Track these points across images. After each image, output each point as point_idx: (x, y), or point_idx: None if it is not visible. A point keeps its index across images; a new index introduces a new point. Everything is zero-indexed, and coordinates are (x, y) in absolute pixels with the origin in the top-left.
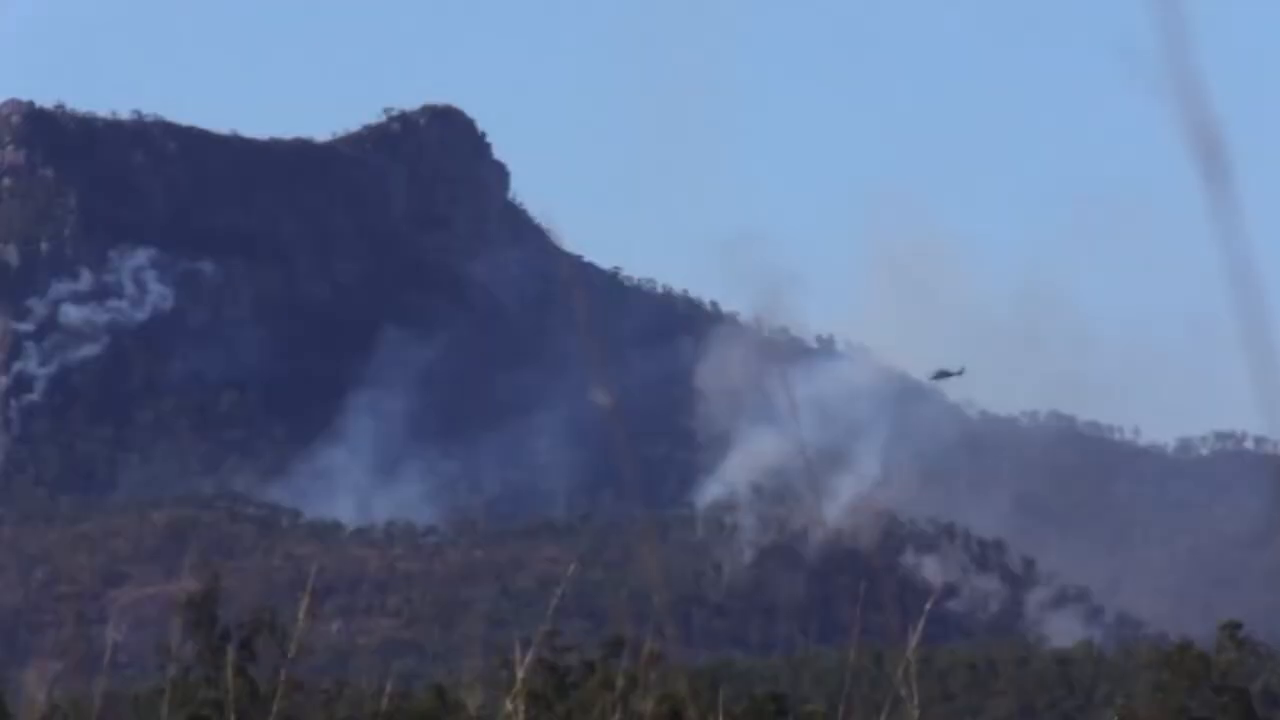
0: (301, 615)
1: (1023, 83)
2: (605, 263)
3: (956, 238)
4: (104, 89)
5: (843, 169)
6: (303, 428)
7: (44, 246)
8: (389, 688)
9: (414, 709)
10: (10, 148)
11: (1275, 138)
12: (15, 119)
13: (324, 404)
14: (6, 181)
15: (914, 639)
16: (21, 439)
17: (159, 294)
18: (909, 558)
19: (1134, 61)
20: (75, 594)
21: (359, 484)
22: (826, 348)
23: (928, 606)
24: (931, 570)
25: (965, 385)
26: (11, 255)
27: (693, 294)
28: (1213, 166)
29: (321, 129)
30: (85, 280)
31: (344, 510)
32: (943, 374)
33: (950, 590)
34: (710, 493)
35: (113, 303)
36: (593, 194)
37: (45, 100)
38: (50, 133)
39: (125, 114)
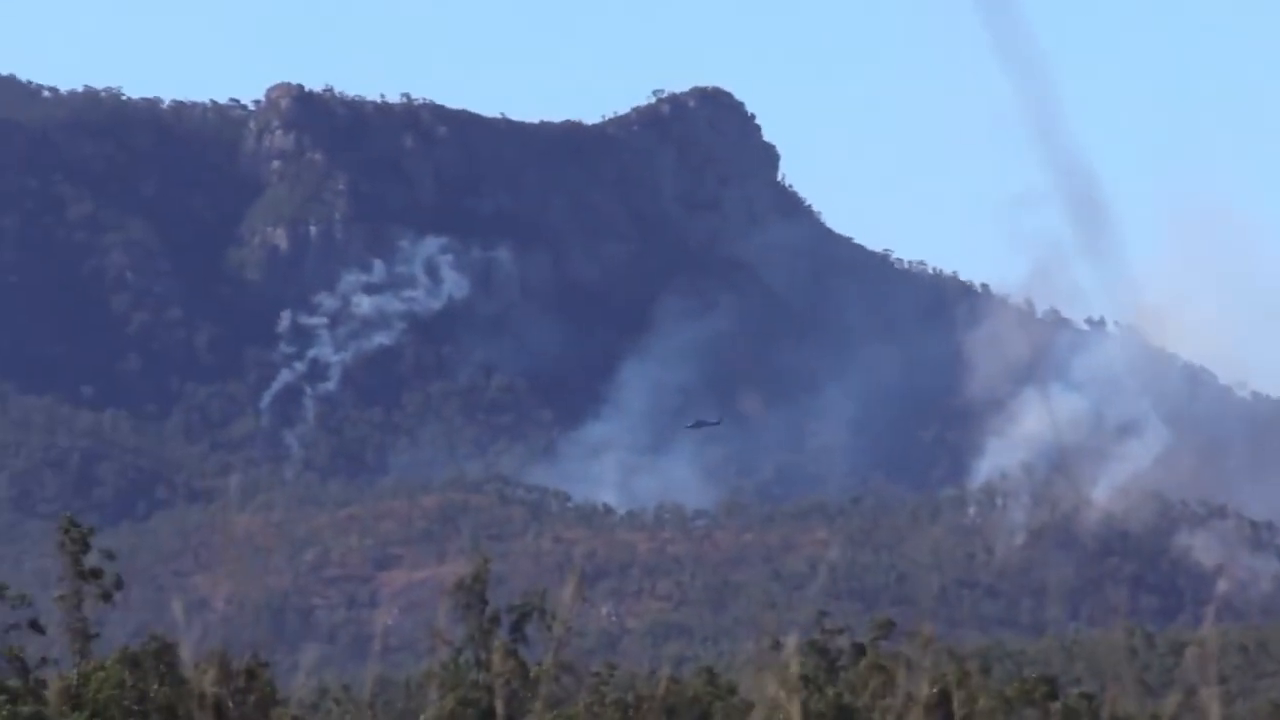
0: (598, 608)
1: None
2: (875, 245)
3: (1248, 213)
4: (373, 72)
5: (1130, 136)
6: (571, 410)
7: (313, 230)
8: (664, 670)
9: (685, 692)
10: (279, 131)
11: None
12: (284, 103)
13: (592, 387)
14: (275, 165)
15: (1207, 622)
16: (312, 426)
17: (454, 282)
18: (1181, 539)
19: None
20: (345, 577)
21: (626, 464)
22: (1098, 329)
23: (1216, 592)
24: (1203, 551)
25: (1239, 367)
26: (280, 239)
27: (963, 276)
28: None
29: (591, 112)
30: (378, 271)
31: (610, 492)
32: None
33: (1221, 571)
34: (982, 473)
35: (408, 292)
36: (862, 174)
37: (314, 84)
38: (319, 116)
39: (394, 97)
